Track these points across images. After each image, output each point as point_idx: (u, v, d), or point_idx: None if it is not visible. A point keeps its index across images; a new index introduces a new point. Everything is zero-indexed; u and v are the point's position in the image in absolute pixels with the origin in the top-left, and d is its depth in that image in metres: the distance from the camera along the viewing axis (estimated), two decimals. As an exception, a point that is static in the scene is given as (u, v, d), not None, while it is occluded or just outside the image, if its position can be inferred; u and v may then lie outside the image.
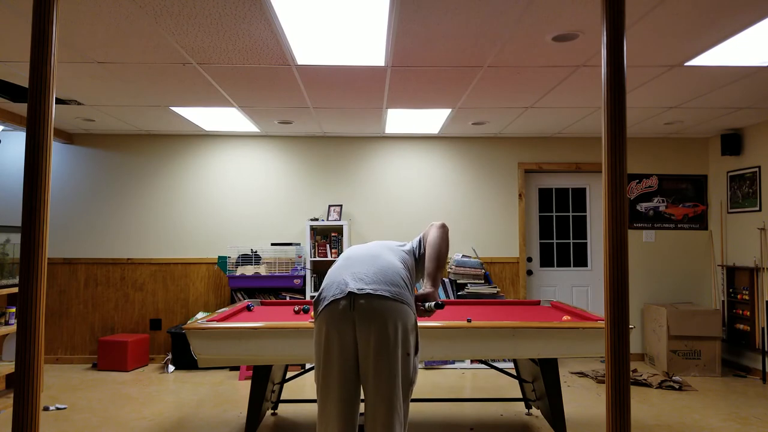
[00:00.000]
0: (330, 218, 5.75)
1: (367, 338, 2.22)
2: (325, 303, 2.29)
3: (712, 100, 4.39)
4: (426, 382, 4.99)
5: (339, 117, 5.05)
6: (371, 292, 2.25)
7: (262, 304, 4.14)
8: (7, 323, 4.53)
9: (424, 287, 2.51)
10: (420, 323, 2.97)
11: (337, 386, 2.24)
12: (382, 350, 2.21)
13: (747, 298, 5.29)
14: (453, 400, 3.93)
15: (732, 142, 5.47)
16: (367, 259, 2.42)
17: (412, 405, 4.25)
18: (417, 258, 2.64)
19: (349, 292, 2.25)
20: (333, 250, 5.64)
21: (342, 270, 2.39)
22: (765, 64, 3.51)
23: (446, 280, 5.63)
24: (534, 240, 6.11)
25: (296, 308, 3.68)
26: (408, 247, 2.67)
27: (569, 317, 3.36)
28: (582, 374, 5.25)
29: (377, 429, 2.22)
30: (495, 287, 5.57)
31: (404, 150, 6.01)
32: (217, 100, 4.43)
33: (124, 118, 5.14)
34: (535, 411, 4.13)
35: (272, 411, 4.13)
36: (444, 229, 2.60)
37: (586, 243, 6.13)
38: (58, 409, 4.16)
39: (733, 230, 5.62)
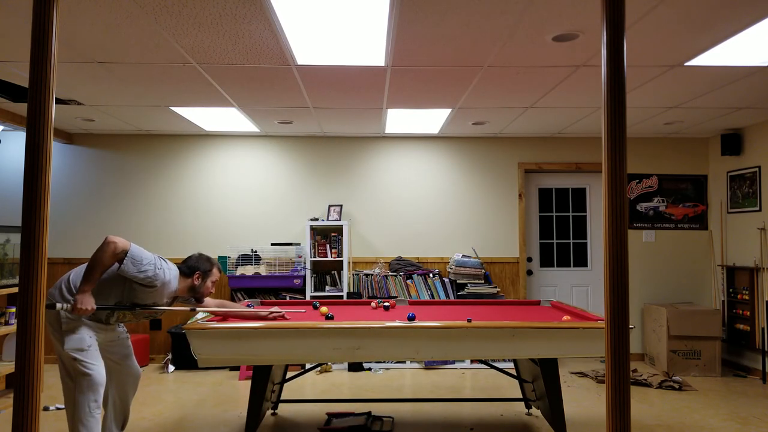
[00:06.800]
0: (330, 218, 5.75)
1: None
2: None
3: (712, 100, 4.38)
4: (426, 382, 4.99)
5: (339, 117, 5.05)
6: None
7: (262, 304, 4.14)
8: (7, 323, 4.53)
9: None
10: (418, 323, 3.00)
11: None
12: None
13: (747, 298, 5.29)
14: (453, 400, 3.93)
15: (732, 142, 5.47)
16: None
17: (411, 404, 4.25)
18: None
19: None
20: (333, 250, 5.63)
21: None
22: (765, 64, 3.51)
23: (446, 279, 5.63)
24: (534, 240, 6.11)
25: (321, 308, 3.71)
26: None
27: (569, 317, 3.36)
28: (582, 374, 5.25)
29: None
30: (495, 287, 5.58)
31: (404, 150, 6.01)
32: (217, 100, 4.43)
33: (124, 118, 5.14)
34: (535, 411, 4.13)
35: (272, 411, 4.13)
36: (105, 243, 2.84)
37: (586, 243, 6.13)
38: (58, 409, 4.16)
39: (733, 230, 5.62)
